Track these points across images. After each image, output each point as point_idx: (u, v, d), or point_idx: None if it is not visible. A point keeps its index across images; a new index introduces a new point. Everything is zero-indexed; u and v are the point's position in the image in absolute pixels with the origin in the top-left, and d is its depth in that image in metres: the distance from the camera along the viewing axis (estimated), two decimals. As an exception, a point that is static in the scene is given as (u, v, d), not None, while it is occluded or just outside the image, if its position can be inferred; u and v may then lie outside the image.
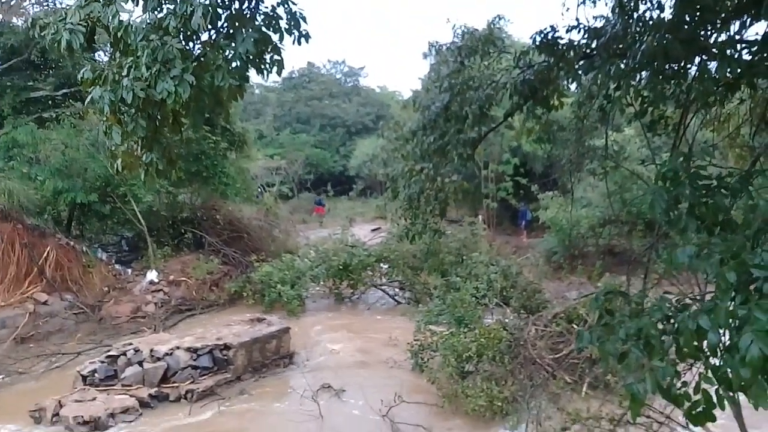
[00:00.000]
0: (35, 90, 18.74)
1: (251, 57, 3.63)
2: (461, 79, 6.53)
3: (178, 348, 11.08)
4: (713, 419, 2.82)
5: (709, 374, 2.65)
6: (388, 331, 14.34)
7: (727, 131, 8.13)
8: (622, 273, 14.75)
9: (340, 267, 17.29)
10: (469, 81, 6.57)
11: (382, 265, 18.18)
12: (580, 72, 5.01)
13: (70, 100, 19.25)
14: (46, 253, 15.62)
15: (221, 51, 3.72)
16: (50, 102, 19.17)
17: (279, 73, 3.87)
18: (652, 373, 2.75)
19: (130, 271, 17.83)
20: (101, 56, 20.93)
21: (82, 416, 9.49)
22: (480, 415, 9.42)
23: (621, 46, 4.40)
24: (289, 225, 24.31)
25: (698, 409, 2.77)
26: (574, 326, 11.43)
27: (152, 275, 17.09)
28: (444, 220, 8.90)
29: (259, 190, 26.68)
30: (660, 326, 2.88)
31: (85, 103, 3.86)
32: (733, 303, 2.55)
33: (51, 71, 19.36)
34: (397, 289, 18.12)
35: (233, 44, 3.63)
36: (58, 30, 3.93)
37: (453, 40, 7.04)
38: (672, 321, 2.84)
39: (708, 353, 2.68)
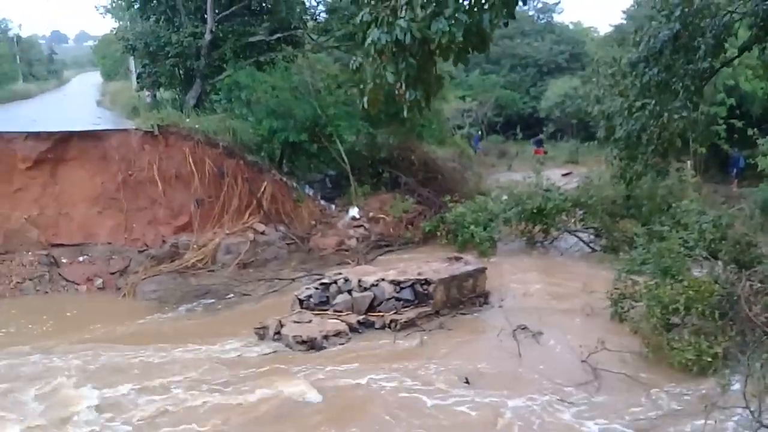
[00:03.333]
0: (253, 35, 20.28)
1: None
2: (695, 6, 6.06)
3: (383, 280, 11.82)
4: None
5: None
6: (583, 278, 14.01)
7: None
8: None
9: (534, 211, 17.08)
10: (704, 9, 6.08)
11: (577, 210, 17.65)
12: None
13: (283, 44, 20.62)
14: (263, 188, 17.22)
15: None
16: (266, 46, 20.64)
17: (525, 3, 3.92)
18: None
19: (333, 207, 19.08)
20: (310, 1, 22.18)
21: (300, 336, 10.55)
22: (687, 369, 9.07)
23: None
24: (482, 167, 24.39)
25: None
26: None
27: (354, 212, 18.17)
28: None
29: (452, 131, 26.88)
30: None
31: (365, 44, 4.18)
32: None
33: (266, 17, 20.78)
34: (592, 236, 17.57)
35: None
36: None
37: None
38: None
39: None
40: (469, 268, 12.66)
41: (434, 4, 3.75)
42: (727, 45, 6.52)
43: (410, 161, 20.65)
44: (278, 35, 20.44)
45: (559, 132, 39.69)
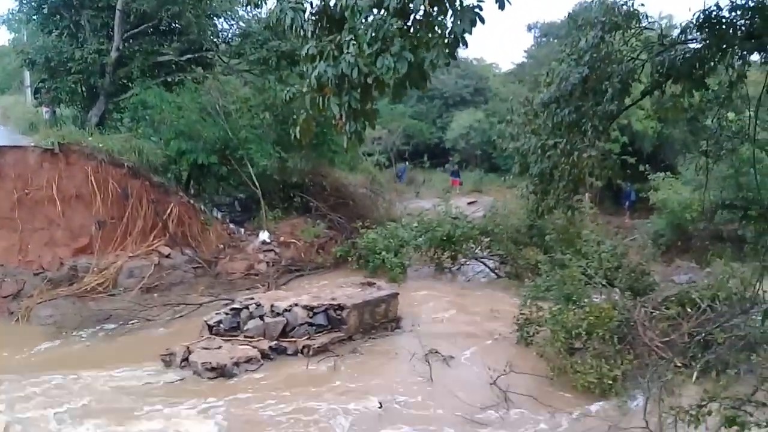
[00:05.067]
0: (161, 54, 19.81)
1: (465, 33, 3.89)
2: (603, 53, 6.52)
3: (296, 305, 11.73)
4: None
5: None
6: (490, 303, 14.53)
7: None
8: (732, 259, 14.33)
9: (443, 238, 17.53)
10: (611, 55, 6.56)
11: (484, 237, 18.25)
12: (744, 52, 4.95)
13: (193, 65, 20.25)
14: (169, 210, 16.69)
15: (433, 29, 3.98)
16: (174, 66, 20.20)
17: (466, 45, 4.10)
18: None
19: (243, 230, 18.74)
20: (222, 24, 21.96)
21: (210, 363, 10.26)
22: (589, 391, 9.53)
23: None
24: (392, 194, 24.75)
25: None
26: (687, 310, 11.25)
27: (264, 236, 17.94)
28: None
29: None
30: None
31: (310, 77, 4.22)
32: None
33: (176, 37, 20.37)
34: (498, 263, 18.19)
35: (448, 22, 3.89)
36: (283, 8, 4.36)
37: (594, 16, 6.99)
38: None
39: None
40: (382, 293, 12.80)
41: (380, 41, 3.87)
42: (631, 89, 7.05)
43: (322, 186, 20.68)
44: (188, 56, 20.07)
45: (464, 162, 40.88)
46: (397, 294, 13.18)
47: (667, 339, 10.67)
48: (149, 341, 12.16)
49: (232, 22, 22.12)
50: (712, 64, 5.67)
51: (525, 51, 52.13)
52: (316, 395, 9.54)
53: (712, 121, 8.65)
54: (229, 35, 22.39)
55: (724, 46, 4.98)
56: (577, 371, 9.77)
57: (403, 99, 45.36)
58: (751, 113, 7.52)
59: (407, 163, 40.10)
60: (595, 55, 6.59)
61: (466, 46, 4.04)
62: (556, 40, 37.46)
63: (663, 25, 6.34)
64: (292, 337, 11.43)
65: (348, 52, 4.00)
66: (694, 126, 11.14)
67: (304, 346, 11.15)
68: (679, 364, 9.84)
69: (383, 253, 16.94)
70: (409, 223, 19.15)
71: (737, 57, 5.29)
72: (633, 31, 7.00)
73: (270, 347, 11.08)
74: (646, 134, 24.69)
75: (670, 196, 19.21)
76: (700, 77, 5.95)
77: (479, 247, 18.56)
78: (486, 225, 18.07)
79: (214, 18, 21.76)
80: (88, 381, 9.95)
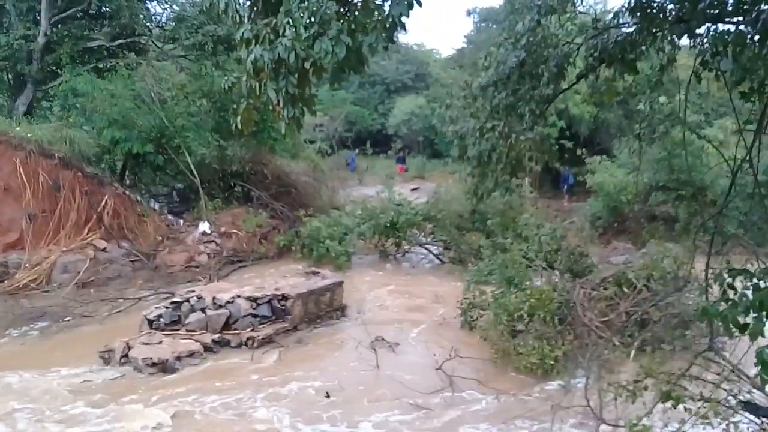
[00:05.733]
0: (92, 40, 19.06)
1: (402, 17, 3.81)
2: (539, 36, 6.56)
3: (238, 297, 11.51)
4: None
5: None
6: (434, 289, 14.65)
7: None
8: (667, 240, 14.81)
9: (387, 225, 17.54)
10: (547, 39, 6.61)
11: (427, 224, 18.34)
12: (673, 36, 5.04)
13: (125, 51, 19.56)
14: (104, 202, 16.15)
15: (371, 12, 3.89)
16: (106, 52, 19.49)
17: (404, 29, 4.03)
18: None
19: (181, 221, 18.30)
20: (156, 8, 21.27)
21: (150, 358, 9.96)
22: (532, 372, 9.69)
23: (717, 11, 4.42)
24: (335, 182, 24.60)
25: None
26: (624, 290, 11.56)
27: (204, 226, 17.55)
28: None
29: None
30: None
31: (247, 60, 4.06)
32: None
33: (107, 22, 19.63)
34: (441, 249, 18.33)
35: (385, 5, 3.81)
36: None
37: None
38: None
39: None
40: (327, 282, 12.70)
41: (317, 24, 3.76)
42: (566, 73, 7.13)
43: (263, 175, 20.34)
44: (120, 41, 19.38)
45: (407, 148, 41.06)
46: (342, 282, 13.10)
47: (605, 319, 10.92)
48: (86, 338, 11.71)
49: (166, 6, 21.55)
50: (644, 48, 5.79)
51: (465, 36, 52.52)
52: (260, 387, 9.39)
53: (644, 105, 8.86)
54: (163, 19, 21.82)
55: (655, 30, 5.07)
56: (520, 353, 9.93)
57: (345, 85, 45.27)
58: (682, 97, 7.70)
59: (357, 150, 40.01)
60: (531, 39, 6.63)
61: (405, 30, 3.98)
62: (494, 25, 37.87)
63: (598, 10, 6.40)
64: (236, 329, 11.21)
65: (284, 36, 3.88)
66: (628, 110, 11.40)
67: (248, 338, 10.97)
68: (618, 343, 10.09)
69: (327, 241, 16.82)
70: (352, 210, 19.07)
71: (667, 41, 5.40)
72: (568, 15, 7.07)
73: (213, 340, 10.84)
74: (583, 118, 25.23)
75: (606, 179, 19.71)
76: (631, 61, 6.06)
77: (423, 234, 18.66)
78: (429, 211, 18.18)
79: (147, 1, 21.11)
80: (23, 381, 9.52)
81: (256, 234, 17.96)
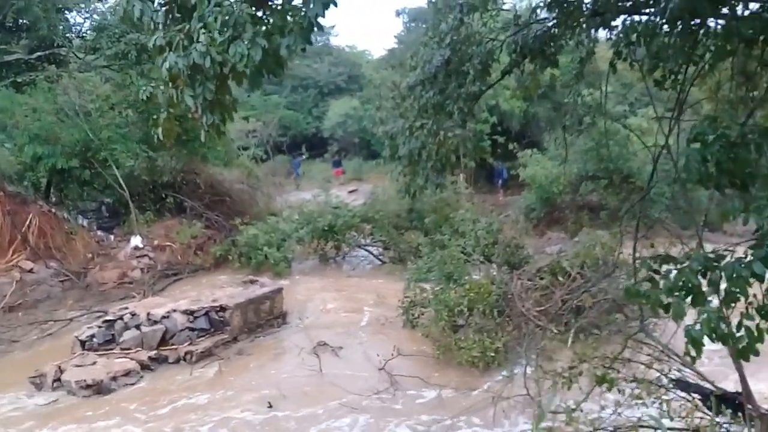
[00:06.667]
0: (9, 53, 18.24)
1: (318, 19, 3.74)
2: (463, 35, 6.63)
3: (174, 311, 11.22)
4: (757, 353, 3.13)
5: (752, 312, 2.94)
6: (375, 289, 14.63)
7: (710, 86, 8.38)
8: (598, 227, 15.26)
9: (325, 228, 17.44)
10: (470, 37, 6.68)
11: (366, 225, 18.33)
12: (590, 29, 5.16)
13: (45, 64, 18.81)
14: (28, 221, 15.48)
15: (286, 15, 3.82)
16: (24, 66, 18.68)
17: (321, 29, 3.98)
18: (706, 318, 3.04)
19: (112, 237, 17.73)
20: (75, 18, 20.52)
21: (85, 380, 9.61)
22: (474, 365, 9.79)
23: (630, 4, 4.55)
24: (271, 188, 24.28)
25: (742, 345, 3.08)
26: (559, 279, 11.83)
27: (136, 240, 17.02)
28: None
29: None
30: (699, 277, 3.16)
31: (162, 68, 3.91)
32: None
33: (25, 34, 18.82)
34: (381, 249, 18.36)
35: (302, 7, 3.74)
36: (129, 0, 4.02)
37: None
38: (711, 271, 3.10)
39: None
40: (266, 290, 12.52)
41: (232, 28, 3.67)
42: (491, 69, 7.22)
43: (196, 184, 19.85)
44: (39, 54, 18.60)
45: (343, 150, 40.87)
46: (282, 289, 12.95)
47: (542, 308, 11.16)
48: (16, 364, 11.21)
49: (86, 16, 20.74)
50: (563, 42, 5.92)
51: (395, 36, 52.71)
52: (200, 403, 9.17)
53: (569, 98, 9.07)
54: (84, 29, 20.98)
55: (573, 24, 5.19)
56: (461, 347, 10.01)
57: (277, 89, 44.82)
58: (602, 88, 7.92)
59: (303, 155, 39.57)
60: (455, 37, 6.68)
61: (322, 30, 3.92)
62: (424, 25, 38.13)
63: (523, 6, 6.51)
64: (173, 344, 10.93)
65: (199, 42, 3.77)
66: (556, 103, 11.66)
67: (186, 353, 10.70)
68: (555, 331, 10.31)
69: (265, 248, 16.60)
70: (289, 216, 18.88)
71: (585, 35, 5.53)
72: (491, 12, 7.17)
73: (149, 357, 10.54)
74: (514, 113, 25.69)
75: (537, 171, 20.13)
76: (551, 55, 6.19)
77: (362, 235, 18.64)
78: (366, 212, 18.17)
79: (66, 12, 20.32)
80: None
81: (191, 245, 17.54)
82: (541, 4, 5.74)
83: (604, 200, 19.92)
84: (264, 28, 3.74)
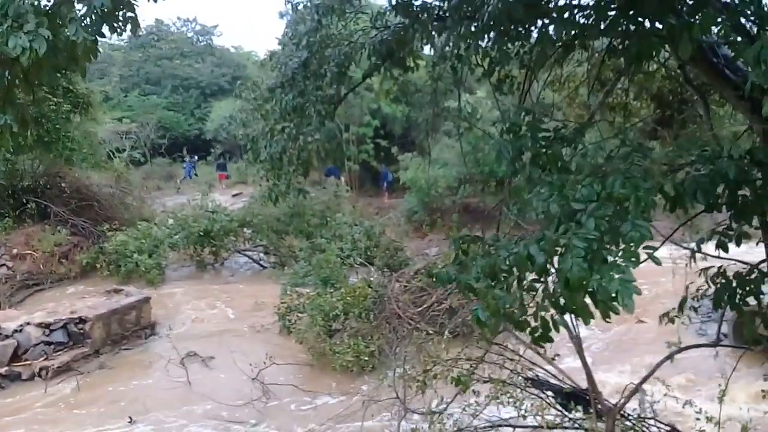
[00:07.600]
0: None
1: (106, 11, 3.45)
2: (319, 37, 6.52)
3: (28, 324, 10.43)
4: (551, 341, 3.22)
5: (545, 302, 3.01)
6: (254, 296, 14.28)
7: (567, 92, 8.79)
8: (477, 228, 15.70)
9: (201, 234, 16.83)
10: (327, 39, 6.58)
11: (245, 230, 17.90)
12: (433, 33, 5.21)
13: None
14: None
15: (74, 5, 3.50)
16: None
17: (134, 31, 3.69)
18: (494, 300, 3.09)
19: (-36, 247, 16.27)
20: None
21: None
22: (348, 370, 9.75)
23: (470, 8, 4.62)
24: (143, 192, 23.17)
25: (538, 333, 3.16)
26: (434, 280, 12.04)
27: (-8, 249, 15.73)
28: (306, 181, 8.98)
29: (109, 155, 24.93)
30: (507, 262, 3.20)
31: None
32: (557, 233, 2.91)
33: None
34: (261, 254, 18.00)
35: None
36: None
37: (310, -1, 6.97)
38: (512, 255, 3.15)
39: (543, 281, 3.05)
40: (131, 299, 11.90)
41: (12, 18, 3.32)
42: (353, 73, 7.16)
43: (60, 189, 18.53)
44: None
45: (227, 153, 39.89)
46: (149, 298, 12.34)
47: (419, 309, 11.30)
48: None
49: None
50: (413, 46, 5.97)
51: (276, 38, 52.21)
52: (56, 422, 8.55)
53: (441, 103, 9.25)
54: None
55: (418, 28, 5.23)
56: (336, 352, 9.94)
57: (156, 89, 43.12)
58: (467, 96, 8.11)
59: (196, 157, 38.14)
60: (312, 39, 6.56)
61: (112, 28, 3.63)
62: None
63: (378, 9, 6.46)
64: (26, 359, 10.14)
65: None
66: (436, 108, 11.84)
67: (41, 369, 9.95)
68: (431, 332, 10.44)
69: (135, 255, 15.79)
70: (163, 221, 18.09)
71: (431, 40, 5.59)
72: (349, 14, 7.11)
73: (0, 374, 9.72)
74: (396, 117, 25.98)
75: (418, 175, 20.45)
76: (401, 59, 6.23)
77: (241, 240, 18.18)
78: (245, 216, 17.73)
79: None
80: None
81: (55, 253, 16.38)
82: (388, 8, 5.74)
83: (482, 202, 20.55)
84: (49, 18, 3.42)
